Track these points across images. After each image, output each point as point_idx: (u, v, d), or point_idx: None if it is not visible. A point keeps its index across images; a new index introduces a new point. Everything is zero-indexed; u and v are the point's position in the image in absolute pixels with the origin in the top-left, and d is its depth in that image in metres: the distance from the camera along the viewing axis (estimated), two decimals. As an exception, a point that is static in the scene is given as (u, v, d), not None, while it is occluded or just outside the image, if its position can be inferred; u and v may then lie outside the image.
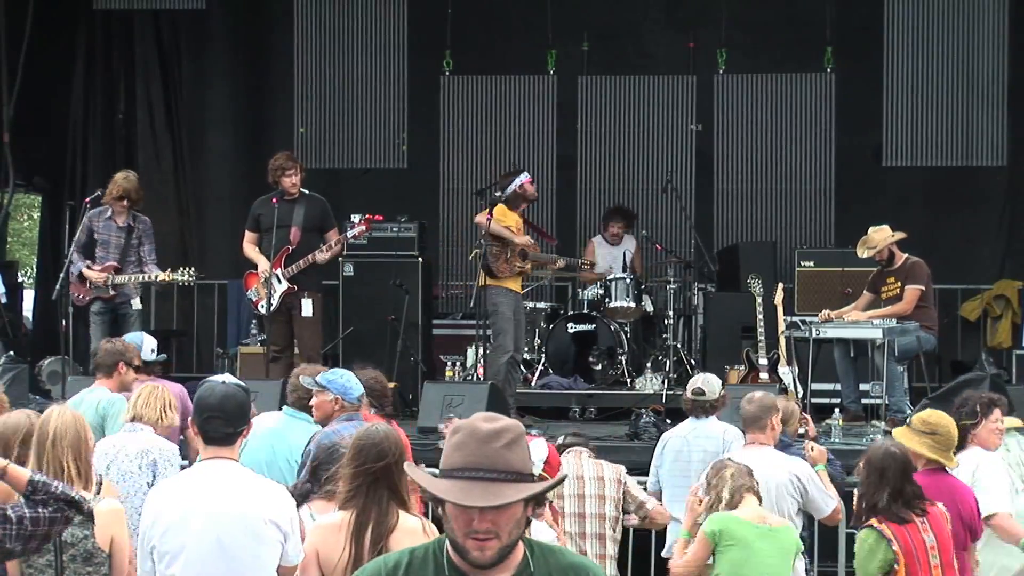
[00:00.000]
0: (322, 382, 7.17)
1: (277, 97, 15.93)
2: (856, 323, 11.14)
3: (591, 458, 7.75)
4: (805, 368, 11.33)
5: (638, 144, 15.57)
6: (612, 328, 12.82)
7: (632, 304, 12.85)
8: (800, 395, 11.21)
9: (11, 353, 12.35)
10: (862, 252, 11.42)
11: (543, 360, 12.86)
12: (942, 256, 13.11)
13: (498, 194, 11.62)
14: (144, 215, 11.63)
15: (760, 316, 11.76)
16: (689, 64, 15.52)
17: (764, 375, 11.54)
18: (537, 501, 3.34)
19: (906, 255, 11.39)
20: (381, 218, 12.20)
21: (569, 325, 12.95)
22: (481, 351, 11.63)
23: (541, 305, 13.52)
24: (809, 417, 8.16)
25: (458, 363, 12.71)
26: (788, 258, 13.94)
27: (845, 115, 15.30)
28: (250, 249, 11.46)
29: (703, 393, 8.45)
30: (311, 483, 6.14)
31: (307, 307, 11.25)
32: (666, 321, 12.97)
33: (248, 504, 5.22)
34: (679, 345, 13.06)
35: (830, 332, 11.14)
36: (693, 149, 15.53)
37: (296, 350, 11.42)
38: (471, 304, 11.81)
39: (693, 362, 13.03)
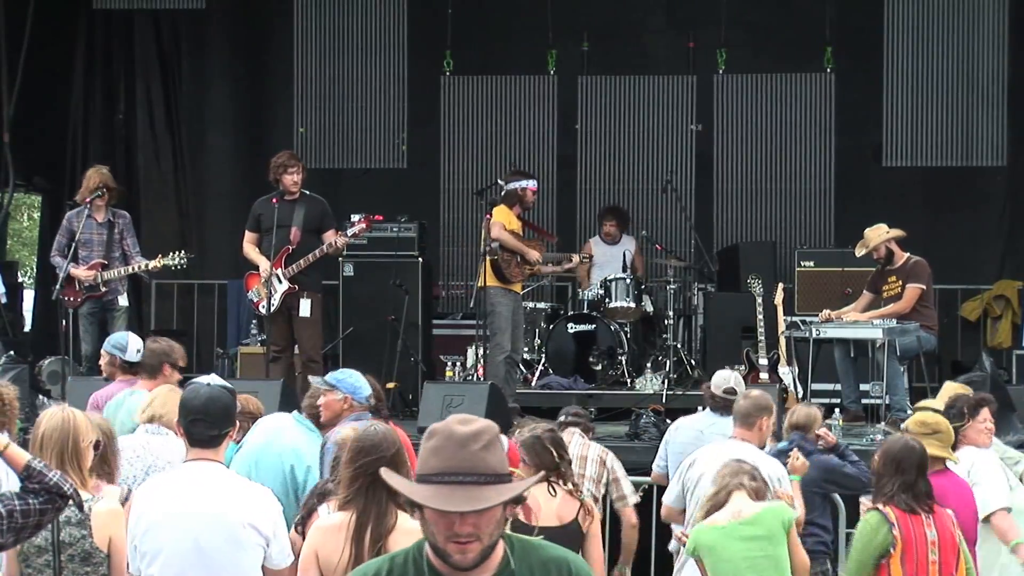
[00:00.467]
0: (331, 381, 7.17)
1: (277, 97, 15.93)
2: (856, 323, 11.14)
3: (583, 439, 7.85)
4: (805, 368, 11.32)
5: (638, 144, 15.57)
6: (612, 328, 12.82)
7: (632, 304, 12.86)
8: (800, 395, 11.21)
9: (11, 353, 12.33)
10: (859, 251, 11.44)
11: (543, 360, 12.86)
12: (942, 256, 13.10)
13: (501, 182, 11.68)
14: (122, 210, 11.68)
15: (760, 316, 11.75)
16: (689, 64, 15.52)
17: (764, 375, 11.53)
18: (515, 500, 3.33)
19: (907, 254, 11.39)
20: (381, 218, 12.20)
21: (569, 325, 12.96)
22: (481, 352, 11.64)
23: (541, 305, 13.52)
24: (827, 431, 8.17)
25: (458, 363, 12.72)
26: (788, 258, 13.94)
27: (845, 115, 15.30)
28: (250, 249, 11.45)
29: (735, 393, 8.42)
30: (333, 482, 6.14)
31: (305, 307, 11.24)
32: (666, 321, 12.97)
33: (227, 507, 5.21)
34: (679, 345, 13.06)
35: (830, 332, 11.14)
36: (693, 149, 15.53)
37: (296, 350, 11.42)
38: (471, 304, 11.83)
39: (693, 362, 13.03)
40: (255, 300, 11.48)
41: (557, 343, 12.93)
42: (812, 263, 13.33)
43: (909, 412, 9.74)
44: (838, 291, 12.59)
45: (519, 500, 3.35)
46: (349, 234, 11.49)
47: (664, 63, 15.61)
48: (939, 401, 8.27)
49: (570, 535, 6.53)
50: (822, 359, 11.38)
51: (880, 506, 6.23)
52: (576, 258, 12.37)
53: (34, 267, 20.98)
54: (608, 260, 13.52)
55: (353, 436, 5.43)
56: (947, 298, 13.90)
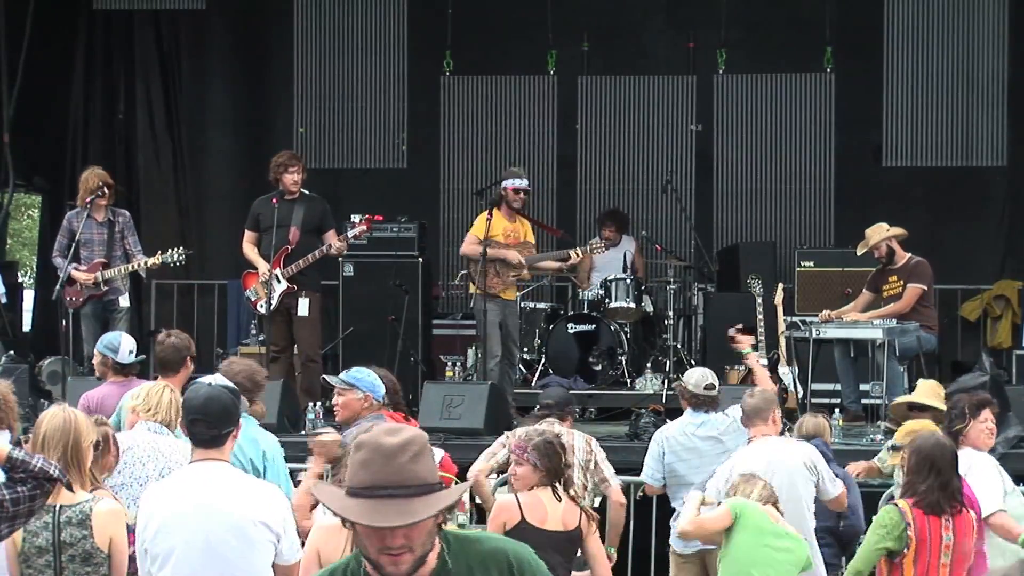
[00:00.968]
0: (350, 380, 7.12)
1: (277, 97, 15.93)
2: (856, 323, 11.14)
3: (562, 427, 7.88)
4: (805, 368, 11.32)
5: (638, 144, 15.56)
6: (612, 328, 12.82)
7: (632, 304, 12.85)
8: (800, 395, 11.21)
9: (11, 353, 12.33)
10: (860, 250, 11.45)
11: (543, 360, 12.86)
12: (942, 256, 13.10)
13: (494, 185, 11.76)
14: (122, 209, 11.69)
15: (760, 316, 11.75)
16: (689, 64, 15.52)
17: (764, 375, 11.53)
18: (447, 510, 3.33)
19: (909, 254, 11.40)
20: (381, 218, 12.20)
21: (569, 325, 12.95)
22: (480, 354, 11.68)
23: (541, 305, 13.52)
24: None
25: (458, 363, 12.72)
26: (788, 258, 13.94)
27: (845, 115, 15.29)
28: (249, 249, 11.45)
29: (715, 388, 8.48)
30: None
31: (304, 307, 11.24)
32: (666, 321, 12.97)
33: (237, 505, 5.20)
34: (679, 345, 13.06)
35: (830, 332, 11.14)
36: (693, 149, 15.52)
37: (295, 350, 11.43)
38: (470, 305, 11.84)
39: (693, 362, 13.02)
40: (252, 299, 11.49)
41: (557, 343, 12.93)
42: (812, 263, 13.33)
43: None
44: (838, 291, 12.59)
45: (451, 509, 3.34)
46: (350, 235, 11.50)
47: (664, 63, 15.60)
48: (918, 396, 8.34)
49: (572, 541, 6.55)
50: (822, 359, 11.37)
51: (900, 503, 6.25)
52: (575, 253, 12.14)
53: (34, 267, 21.00)
54: (608, 261, 13.52)
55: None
56: (947, 298, 13.89)
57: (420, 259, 12.88)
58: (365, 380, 7.11)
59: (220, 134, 15.85)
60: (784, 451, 7.46)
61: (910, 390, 11.12)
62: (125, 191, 14.11)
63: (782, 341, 11.59)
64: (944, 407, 7.93)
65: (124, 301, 11.43)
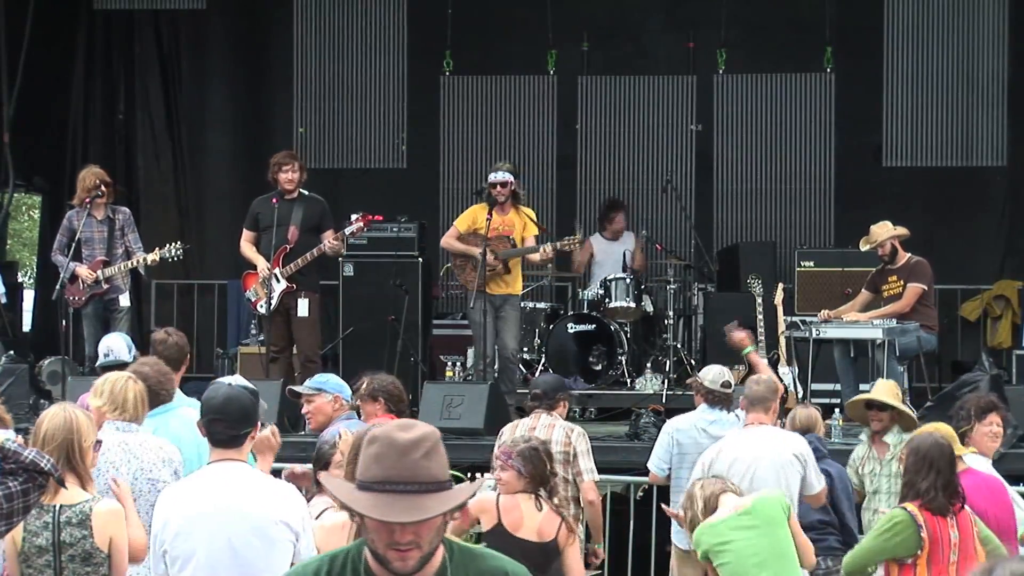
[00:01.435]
0: (316, 386, 7.21)
1: (277, 97, 15.93)
2: (856, 323, 11.14)
3: (549, 417, 7.93)
4: (805, 368, 11.32)
5: (638, 144, 15.56)
6: (612, 328, 12.82)
7: (632, 304, 12.85)
8: (800, 395, 11.21)
9: (11, 353, 12.33)
10: (864, 246, 11.45)
11: (543, 360, 12.85)
12: (942, 256, 13.11)
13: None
14: (122, 206, 11.68)
15: (760, 316, 11.76)
16: (689, 64, 15.52)
17: (764, 375, 11.53)
18: (456, 508, 3.33)
19: (909, 254, 11.40)
20: (380, 218, 12.19)
21: (569, 325, 12.95)
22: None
23: (541, 305, 13.51)
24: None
25: (458, 363, 12.72)
26: (788, 258, 13.94)
27: (845, 115, 15.30)
28: (248, 249, 11.45)
29: (731, 386, 8.50)
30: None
31: (303, 307, 11.24)
32: (666, 321, 12.98)
33: (258, 505, 5.21)
34: (679, 345, 13.07)
35: (830, 332, 11.14)
36: (693, 149, 15.53)
37: (295, 350, 11.43)
38: (470, 305, 11.81)
39: (693, 362, 13.02)
40: (252, 299, 11.49)
41: (557, 343, 12.92)
42: (812, 263, 13.33)
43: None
44: (838, 291, 12.58)
45: (461, 507, 3.35)
46: (347, 232, 11.49)
47: (664, 63, 15.61)
48: (876, 394, 8.36)
49: (547, 553, 6.51)
50: (822, 359, 11.38)
51: (909, 506, 6.24)
52: (548, 248, 11.78)
53: (34, 267, 21.00)
54: (608, 257, 13.52)
55: (356, 435, 5.43)
56: (947, 298, 13.90)
57: (420, 259, 12.88)
58: (331, 382, 7.22)
59: (220, 134, 15.85)
60: (776, 439, 7.53)
61: (910, 390, 11.16)
62: (125, 191, 14.11)
63: (782, 341, 11.59)
64: (902, 407, 8.12)
65: (125, 300, 11.43)
